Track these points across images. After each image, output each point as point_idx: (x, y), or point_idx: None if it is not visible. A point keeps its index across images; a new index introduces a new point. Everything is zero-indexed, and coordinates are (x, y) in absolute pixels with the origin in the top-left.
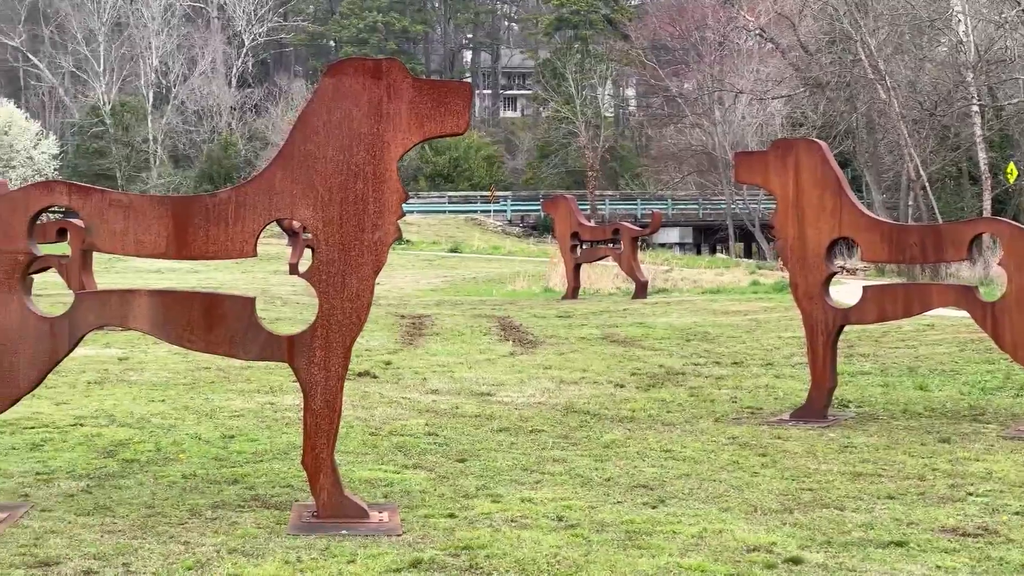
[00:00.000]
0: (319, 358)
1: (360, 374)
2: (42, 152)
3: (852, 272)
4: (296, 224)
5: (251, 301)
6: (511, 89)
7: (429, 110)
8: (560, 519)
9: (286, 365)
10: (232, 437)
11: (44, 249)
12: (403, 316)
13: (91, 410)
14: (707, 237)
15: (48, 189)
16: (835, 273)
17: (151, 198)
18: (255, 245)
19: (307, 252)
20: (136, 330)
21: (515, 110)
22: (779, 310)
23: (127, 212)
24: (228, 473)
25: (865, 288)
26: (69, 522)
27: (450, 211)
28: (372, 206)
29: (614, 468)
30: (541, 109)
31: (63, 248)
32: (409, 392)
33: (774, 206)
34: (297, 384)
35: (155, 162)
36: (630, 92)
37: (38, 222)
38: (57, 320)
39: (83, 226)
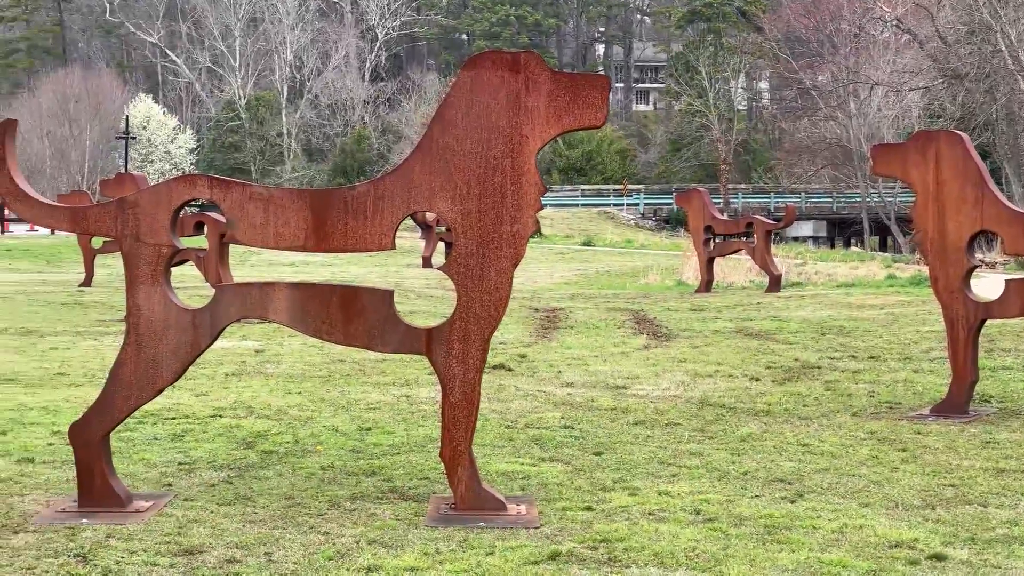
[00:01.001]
0: (457, 351)
1: (495, 367)
2: (179, 147)
3: (991, 266)
4: (430, 217)
5: (389, 294)
6: (643, 83)
7: (567, 103)
8: (698, 512)
9: (422, 358)
10: (369, 429)
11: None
12: (537, 309)
13: (230, 402)
14: (841, 231)
15: (190, 183)
16: (976, 267)
17: (290, 191)
18: (393, 238)
19: (440, 245)
20: (275, 323)
21: (647, 104)
22: (916, 304)
23: (267, 205)
24: (365, 465)
25: (1008, 281)
26: (211, 511)
27: (583, 205)
28: (510, 199)
29: (751, 462)
30: (673, 103)
31: (200, 241)
32: (544, 385)
33: (912, 199)
34: (433, 377)
35: (289, 156)
36: (763, 85)
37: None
38: (199, 312)
39: (222, 220)
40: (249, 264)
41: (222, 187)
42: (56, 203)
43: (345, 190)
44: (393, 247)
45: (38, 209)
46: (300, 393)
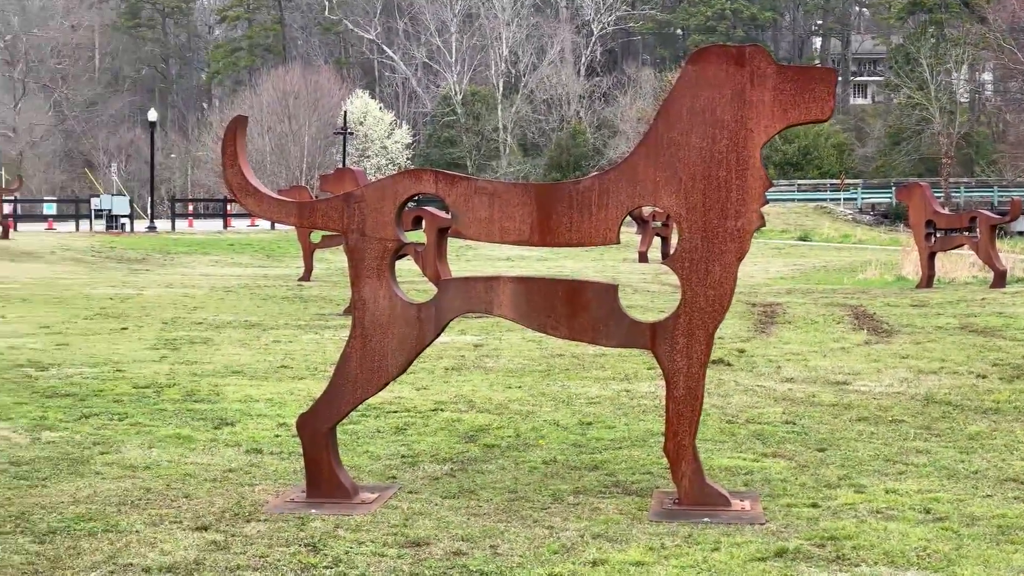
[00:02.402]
0: (682, 345)
1: (714, 362)
2: (395, 142)
3: None
4: (645, 212)
5: (614, 288)
6: (861, 75)
7: (793, 97)
8: (927, 511)
9: (641, 352)
10: (590, 424)
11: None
12: (754, 304)
13: (450, 396)
14: None
15: (416, 177)
16: None
17: (515, 186)
18: (618, 232)
19: (656, 240)
20: (500, 317)
21: (865, 97)
22: None
23: (492, 199)
24: (587, 459)
25: None
26: (436, 504)
27: (799, 199)
28: (735, 193)
29: (981, 460)
30: (893, 95)
31: (418, 236)
32: (764, 380)
33: None
34: (652, 371)
35: (505, 151)
36: (986, 76)
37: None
38: (424, 306)
39: (441, 214)
40: (465, 259)
41: (448, 181)
42: (282, 198)
43: (570, 184)
44: (617, 241)
45: (267, 204)
46: (520, 387)
